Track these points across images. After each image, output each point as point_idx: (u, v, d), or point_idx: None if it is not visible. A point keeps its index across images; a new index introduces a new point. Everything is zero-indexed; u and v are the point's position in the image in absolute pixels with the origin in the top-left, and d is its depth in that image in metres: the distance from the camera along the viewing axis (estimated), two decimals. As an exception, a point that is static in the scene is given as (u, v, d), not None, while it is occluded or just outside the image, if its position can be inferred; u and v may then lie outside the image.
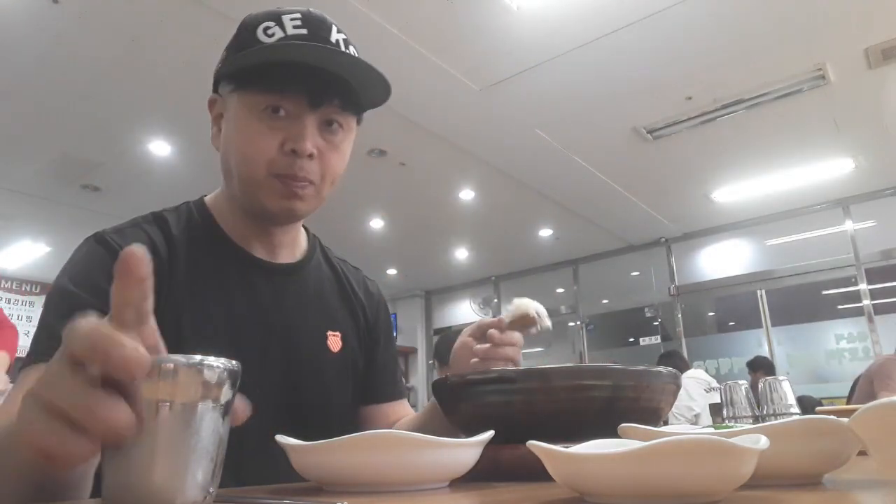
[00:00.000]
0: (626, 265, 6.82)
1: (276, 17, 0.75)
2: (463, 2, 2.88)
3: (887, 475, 0.51)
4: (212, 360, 0.37)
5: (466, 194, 5.22)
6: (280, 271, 0.87)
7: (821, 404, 3.67)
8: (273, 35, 0.74)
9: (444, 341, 3.35)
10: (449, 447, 0.52)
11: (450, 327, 7.92)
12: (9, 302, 6.79)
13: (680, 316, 6.26)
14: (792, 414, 1.24)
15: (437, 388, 0.75)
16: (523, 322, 0.83)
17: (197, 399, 0.36)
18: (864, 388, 3.11)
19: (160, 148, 4.25)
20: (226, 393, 0.38)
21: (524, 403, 0.64)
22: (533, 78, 3.48)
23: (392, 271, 7.54)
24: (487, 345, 0.84)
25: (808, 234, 5.66)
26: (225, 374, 0.37)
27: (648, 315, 6.58)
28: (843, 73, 3.52)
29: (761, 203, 5.44)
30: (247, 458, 0.68)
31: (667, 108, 3.88)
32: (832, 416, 0.50)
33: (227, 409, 0.38)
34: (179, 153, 4.33)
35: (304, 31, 0.74)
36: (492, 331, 0.84)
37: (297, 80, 0.73)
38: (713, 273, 6.20)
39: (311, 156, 0.74)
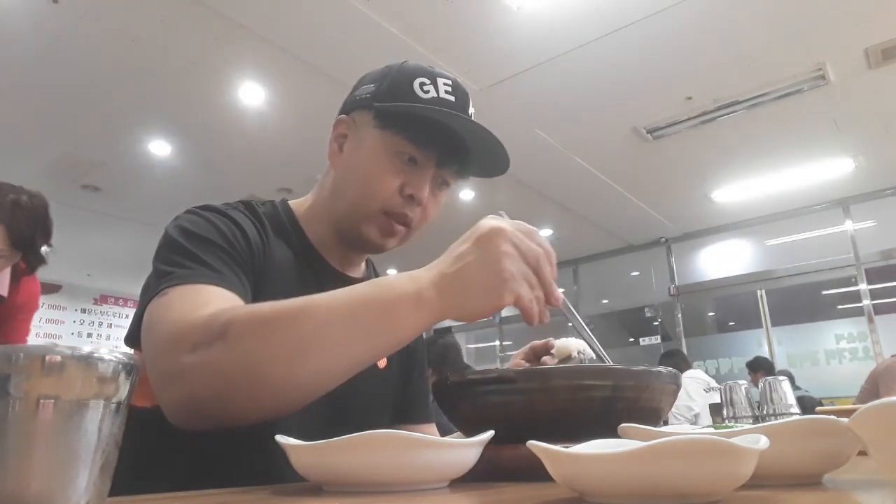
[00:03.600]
0: (626, 265, 6.81)
1: (432, 77, 0.83)
2: (463, 2, 2.88)
3: (887, 475, 0.51)
4: (104, 353, 0.33)
5: (466, 194, 5.22)
6: (349, 283, 0.89)
7: (821, 404, 3.67)
8: (428, 92, 0.82)
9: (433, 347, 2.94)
10: (449, 447, 0.52)
11: (449, 328, 7.91)
12: (9, 302, 6.78)
13: (680, 316, 6.25)
14: (792, 414, 1.24)
15: (438, 389, 0.75)
16: (568, 361, 0.92)
17: (86, 396, 0.32)
18: (867, 389, 3.10)
19: (160, 148, 4.24)
20: (121, 389, 0.34)
21: (524, 403, 0.64)
22: (533, 78, 3.48)
23: (392, 271, 7.49)
24: None
25: (808, 234, 5.65)
26: (119, 367, 0.33)
27: (648, 315, 6.57)
28: (843, 73, 3.52)
29: (761, 203, 5.44)
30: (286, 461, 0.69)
31: (667, 108, 3.88)
32: (832, 416, 0.50)
33: (121, 407, 0.34)
34: (179, 153, 4.32)
35: (452, 98, 0.83)
36: (545, 358, 0.92)
37: (437, 139, 0.81)
38: (713, 273, 6.19)
39: (420, 203, 0.83)
